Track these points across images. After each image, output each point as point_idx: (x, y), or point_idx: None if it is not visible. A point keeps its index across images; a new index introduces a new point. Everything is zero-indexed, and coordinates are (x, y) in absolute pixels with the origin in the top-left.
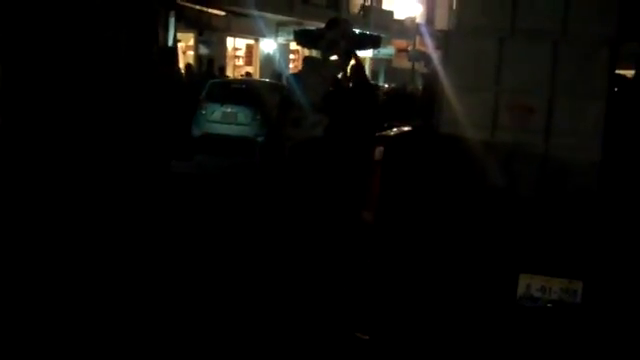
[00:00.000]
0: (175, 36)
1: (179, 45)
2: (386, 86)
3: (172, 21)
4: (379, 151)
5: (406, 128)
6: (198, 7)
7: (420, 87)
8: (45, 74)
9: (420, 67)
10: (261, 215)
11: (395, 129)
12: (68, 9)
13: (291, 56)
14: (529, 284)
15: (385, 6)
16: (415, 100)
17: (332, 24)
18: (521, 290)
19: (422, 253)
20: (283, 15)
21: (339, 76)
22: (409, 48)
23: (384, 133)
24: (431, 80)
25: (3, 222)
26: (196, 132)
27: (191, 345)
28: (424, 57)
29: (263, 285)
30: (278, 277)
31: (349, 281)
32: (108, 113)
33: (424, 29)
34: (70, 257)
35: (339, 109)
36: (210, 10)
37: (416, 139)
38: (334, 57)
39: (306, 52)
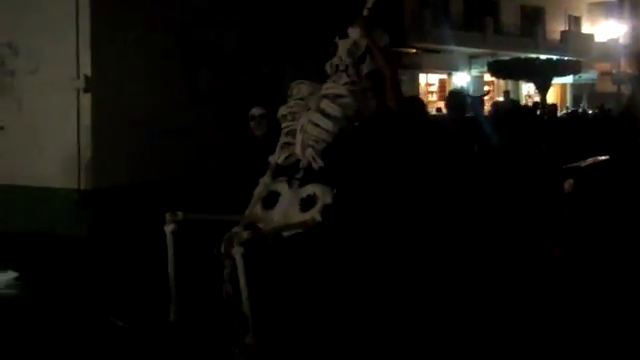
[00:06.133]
0: None
1: None
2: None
3: None
4: (569, 183)
5: (602, 157)
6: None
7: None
8: None
9: (626, 90)
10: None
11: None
12: None
13: (486, 87)
14: None
15: (585, 29)
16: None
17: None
18: None
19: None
20: (476, 48)
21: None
22: (613, 71)
23: (574, 164)
24: (633, 103)
25: None
26: None
27: None
28: (630, 79)
29: None
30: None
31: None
32: None
33: (627, 50)
34: None
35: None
36: (401, 49)
37: (612, 169)
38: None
39: (501, 83)
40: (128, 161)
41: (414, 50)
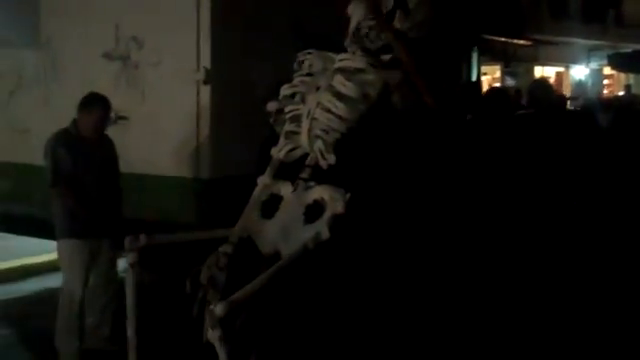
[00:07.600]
0: (479, 70)
1: (485, 78)
2: None
3: (475, 56)
4: None
5: None
6: (503, 39)
7: None
8: None
9: None
10: None
11: None
12: None
13: (605, 81)
14: None
15: None
16: None
17: None
18: None
19: None
20: (595, 40)
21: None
22: None
23: None
24: None
25: None
26: None
27: None
28: None
29: None
30: None
31: None
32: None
33: None
34: None
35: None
36: (516, 41)
37: None
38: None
39: (622, 77)
40: (243, 152)
41: (530, 42)
